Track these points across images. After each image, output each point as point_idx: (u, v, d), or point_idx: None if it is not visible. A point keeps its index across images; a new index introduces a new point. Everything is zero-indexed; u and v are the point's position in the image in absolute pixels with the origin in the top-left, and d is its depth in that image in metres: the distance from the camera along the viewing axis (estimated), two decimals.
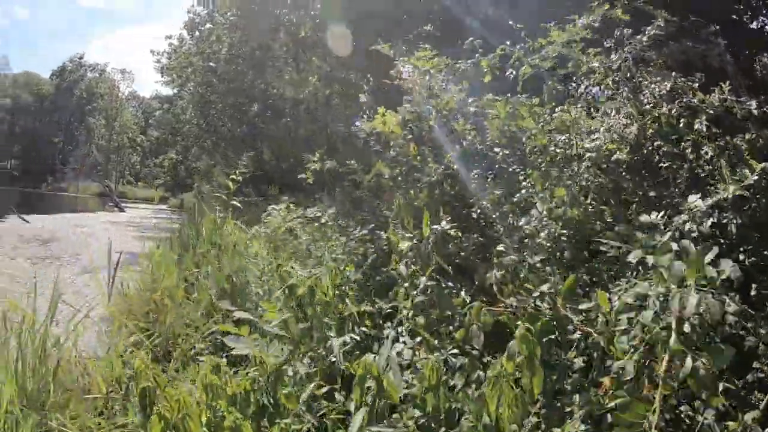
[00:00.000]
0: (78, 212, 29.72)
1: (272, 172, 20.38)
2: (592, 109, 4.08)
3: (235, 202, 5.70)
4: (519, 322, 2.22)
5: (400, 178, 4.45)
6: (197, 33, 26.82)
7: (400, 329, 3.03)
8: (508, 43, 4.41)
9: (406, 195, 4.12)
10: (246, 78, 21.85)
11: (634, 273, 2.62)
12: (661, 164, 3.30)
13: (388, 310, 3.38)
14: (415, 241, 3.34)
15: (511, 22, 4.68)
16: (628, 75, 3.63)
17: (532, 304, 2.59)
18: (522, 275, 2.96)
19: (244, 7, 19.04)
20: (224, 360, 2.94)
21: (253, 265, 4.55)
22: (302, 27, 18.15)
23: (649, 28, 3.80)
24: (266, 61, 20.50)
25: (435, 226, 3.23)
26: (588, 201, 3.28)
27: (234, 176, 5.73)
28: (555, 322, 2.40)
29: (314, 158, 5.70)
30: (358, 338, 3.15)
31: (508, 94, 4.27)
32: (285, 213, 5.72)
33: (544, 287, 2.60)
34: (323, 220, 5.15)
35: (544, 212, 3.18)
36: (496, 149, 4.19)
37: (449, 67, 4.80)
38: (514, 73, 4.32)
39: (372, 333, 3.30)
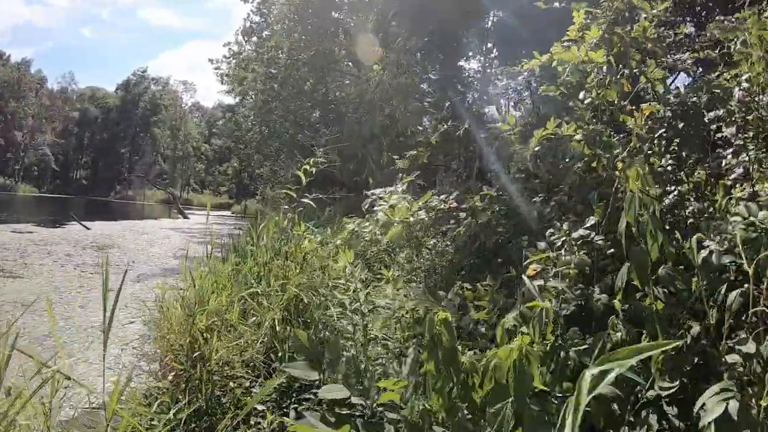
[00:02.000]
0: (142, 219, 29.91)
1: (338, 174, 19.88)
2: None
3: (307, 200, 4.76)
4: None
5: None
6: (254, 39, 26.62)
7: None
8: None
9: None
10: (307, 82, 21.42)
11: None
12: None
13: None
14: None
15: None
16: None
17: None
18: None
19: (301, 12, 18.65)
20: None
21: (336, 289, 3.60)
22: (362, 28, 17.71)
23: None
24: (326, 64, 20.04)
25: None
26: None
27: (308, 165, 4.80)
28: None
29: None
30: None
31: None
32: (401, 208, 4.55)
33: None
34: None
35: None
36: None
37: None
38: None
39: None
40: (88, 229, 18.49)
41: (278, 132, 25.96)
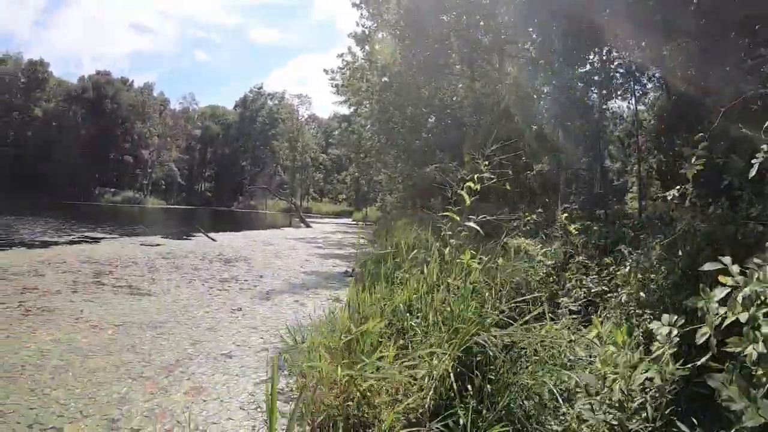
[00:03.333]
0: (265, 229, 30.79)
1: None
2: None
3: (473, 224, 4.05)
4: None
5: None
6: (366, 47, 26.59)
7: None
8: None
9: None
10: (421, 88, 20.98)
11: None
12: None
13: None
14: None
15: None
16: None
17: None
18: None
19: (410, 17, 18.21)
20: None
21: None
22: (478, 31, 17.06)
23: None
24: (440, 69, 19.47)
25: None
26: None
27: (472, 182, 4.15)
28: None
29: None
30: None
31: None
32: None
33: None
34: None
35: None
36: None
37: None
38: None
39: None
40: (214, 240, 19.03)
41: (395, 139, 25.79)
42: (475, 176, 4.08)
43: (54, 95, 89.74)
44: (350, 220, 55.81)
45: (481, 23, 17.74)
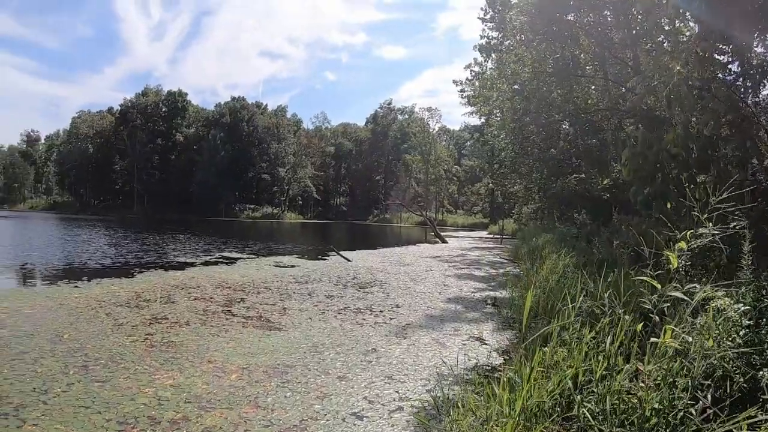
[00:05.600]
0: (400, 246, 30.60)
1: (594, 194, 18.02)
2: None
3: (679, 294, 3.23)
4: None
5: None
6: (493, 56, 25.82)
7: None
8: None
9: None
10: (553, 93, 19.80)
11: None
12: None
13: None
14: None
15: None
16: None
17: None
18: None
19: (535, 20, 17.17)
20: None
21: None
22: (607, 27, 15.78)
23: None
24: (571, 71, 18.22)
25: None
26: None
27: None
28: None
29: None
30: None
31: None
32: None
33: None
34: None
35: None
36: None
37: None
38: None
39: None
40: (348, 261, 18.99)
41: (529, 149, 24.73)
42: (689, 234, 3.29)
43: (193, 122, 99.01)
44: (486, 233, 54.66)
45: (610, 18, 16.50)
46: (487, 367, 6.17)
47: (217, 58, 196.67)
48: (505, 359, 6.52)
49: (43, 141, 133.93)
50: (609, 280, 6.09)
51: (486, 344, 7.37)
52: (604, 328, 3.80)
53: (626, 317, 3.60)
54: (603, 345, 3.48)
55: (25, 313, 8.61)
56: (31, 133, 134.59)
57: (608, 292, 4.40)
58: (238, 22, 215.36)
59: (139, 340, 6.99)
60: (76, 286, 11.55)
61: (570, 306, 4.52)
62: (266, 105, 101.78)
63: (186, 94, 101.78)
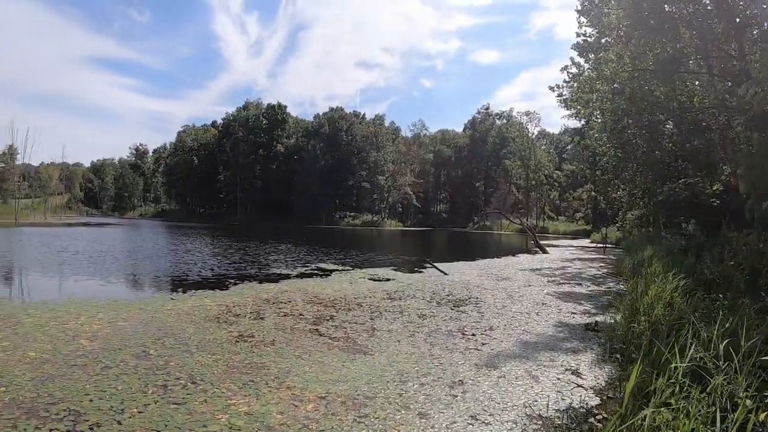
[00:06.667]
0: (500, 256, 29.69)
1: (702, 200, 16.68)
2: None
3: None
4: None
5: None
6: (591, 56, 24.66)
7: None
8: None
9: None
10: (656, 93, 18.53)
11: None
12: None
13: None
14: None
15: None
16: None
17: None
18: None
19: (634, 15, 16.09)
20: None
21: None
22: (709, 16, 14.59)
23: None
24: (673, 67, 16.95)
25: None
26: None
27: None
28: None
29: None
30: None
31: None
32: None
33: None
34: None
35: None
36: None
37: None
38: None
39: None
40: (445, 274, 18.51)
41: (632, 152, 23.34)
42: None
43: (293, 132, 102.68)
44: (588, 241, 52.35)
45: (710, 7, 15.24)
46: (582, 410, 5.55)
47: (315, 70, 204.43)
48: (602, 400, 5.93)
49: (150, 154, 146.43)
50: (726, 326, 5.41)
51: (583, 379, 6.69)
52: (717, 389, 3.30)
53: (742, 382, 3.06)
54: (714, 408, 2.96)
55: (118, 325, 8.95)
56: (140, 147, 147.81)
57: (723, 344, 3.82)
58: (333, 35, 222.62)
59: (222, 360, 6.99)
60: (171, 298, 11.97)
61: (677, 358, 3.96)
62: (364, 114, 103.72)
63: (285, 106, 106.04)
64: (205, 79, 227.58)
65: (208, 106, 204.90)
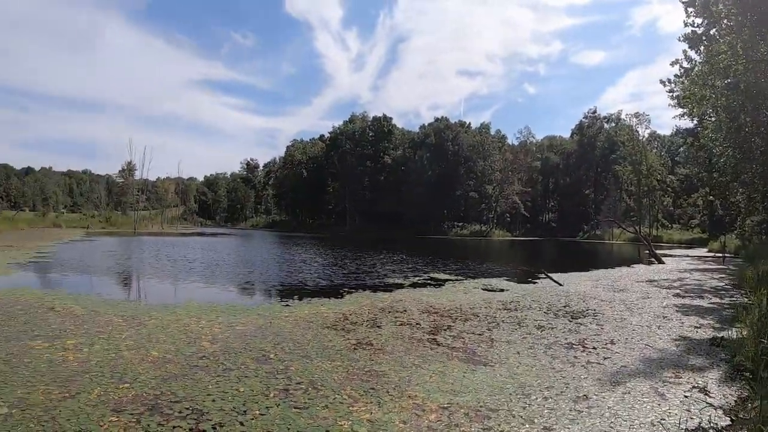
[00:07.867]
0: (613, 267, 28.32)
1: None
2: None
3: None
4: None
5: None
6: (701, 48, 23.07)
7: None
8: None
9: None
10: None
11: None
12: None
13: None
14: None
15: None
16: None
17: None
18: None
19: (743, 1, 14.90)
20: None
21: None
22: None
23: None
24: None
25: None
26: None
27: None
28: None
29: None
30: None
31: None
32: None
33: None
34: None
35: None
36: None
37: None
38: None
39: None
40: (559, 285, 17.93)
41: (750, 151, 21.59)
42: None
43: (400, 143, 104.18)
44: (705, 251, 48.82)
45: None
46: (713, 431, 5.12)
47: (417, 81, 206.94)
48: (732, 420, 5.43)
49: (261, 168, 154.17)
50: None
51: (712, 397, 6.15)
52: None
53: None
54: None
55: (237, 329, 9.18)
56: (250, 162, 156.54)
57: None
58: (433, 45, 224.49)
59: (342, 366, 7.00)
60: (287, 305, 12.22)
61: None
62: (469, 123, 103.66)
63: (391, 118, 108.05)
64: (311, 94, 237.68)
65: (314, 120, 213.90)
